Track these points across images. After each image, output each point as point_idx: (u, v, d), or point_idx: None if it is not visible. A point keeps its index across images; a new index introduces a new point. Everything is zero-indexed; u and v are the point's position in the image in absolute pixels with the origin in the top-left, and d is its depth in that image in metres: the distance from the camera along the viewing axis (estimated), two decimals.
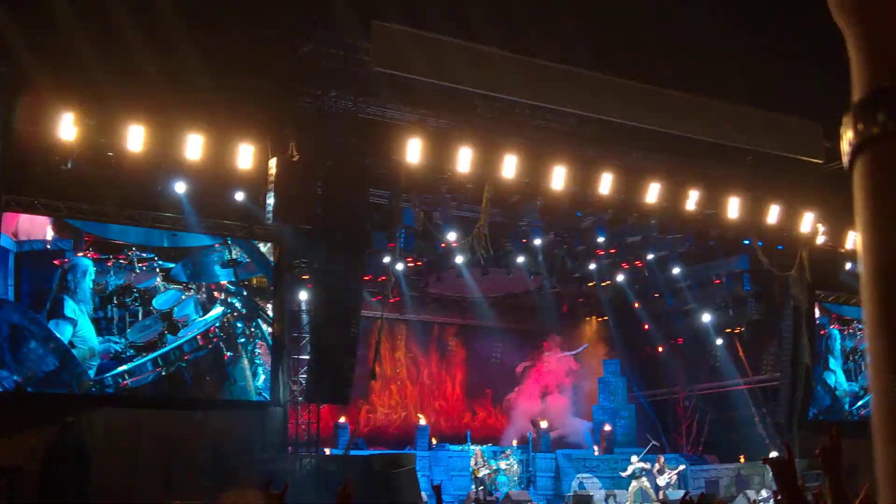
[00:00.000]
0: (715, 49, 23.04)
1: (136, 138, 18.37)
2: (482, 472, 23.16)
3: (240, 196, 20.11)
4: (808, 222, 25.00)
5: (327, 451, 23.03)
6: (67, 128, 17.83)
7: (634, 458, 23.81)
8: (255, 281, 21.12)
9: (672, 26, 23.32)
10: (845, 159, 0.82)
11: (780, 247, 25.73)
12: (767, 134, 23.92)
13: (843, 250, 26.81)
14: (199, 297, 20.38)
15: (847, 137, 0.81)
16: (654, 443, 26.11)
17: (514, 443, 26.30)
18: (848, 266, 27.19)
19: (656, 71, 22.25)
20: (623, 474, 23.77)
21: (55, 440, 18.14)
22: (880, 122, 0.78)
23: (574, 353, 31.18)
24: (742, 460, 26.06)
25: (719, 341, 28.45)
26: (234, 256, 20.79)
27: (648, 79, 22.38)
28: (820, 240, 25.74)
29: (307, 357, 21.34)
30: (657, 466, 23.63)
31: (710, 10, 22.25)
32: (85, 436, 18.51)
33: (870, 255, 0.82)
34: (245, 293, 20.90)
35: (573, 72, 21.50)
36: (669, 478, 23.43)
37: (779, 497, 4.46)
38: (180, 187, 19.54)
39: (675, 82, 22.52)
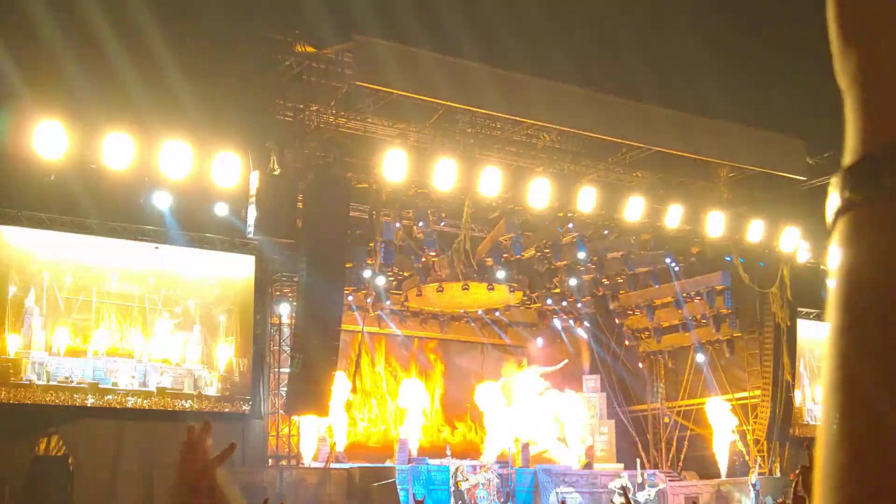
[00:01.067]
0: (697, 65, 23.22)
1: (119, 151, 18.41)
2: (462, 486, 23.16)
3: (222, 209, 20.11)
4: (789, 239, 25.10)
5: (307, 463, 22.98)
6: (50, 140, 17.85)
7: (620, 471, 23.84)
8: None
9: (654, 42, 23.52)
10: (828, 219, 0.88)
11: (761, 263, 25.82)
12: (750, 150, 24.08)
13: (824, 267, 26.92)
14: None
15: (834, 199, 0.87)
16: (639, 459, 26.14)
17: (494, 457, 26.26)
18: (830, 283, 27.20)
19: (638, 87, 22.43)
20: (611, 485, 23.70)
21: (39, 452, 18.13)
22: (866, 189, 0.84)
23: (554, 368, 31.15)
24: (724, 476, 26.08)
25: (700, 357, 28.51)
26: None
27: (630, 94, 22.52)
28: (802, 257, 25.85)
29: (287, 370, 21.35)
30: (637, 482, 23.66)
31: (693, 26, 22.43)
32: (68, 447, 18.50)
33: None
34: None
35: (554, 86, 21.60)
36: (649, 494, 23.45)
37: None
38: (163, 200, 19.54)
39: (657, 98, 22.68)
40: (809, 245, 25.99)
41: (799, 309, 26.77)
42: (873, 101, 0.87)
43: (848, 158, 0.90)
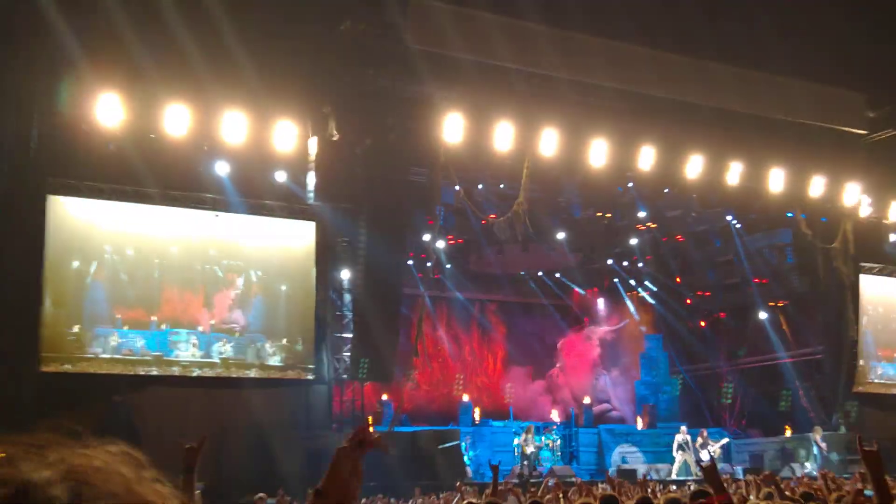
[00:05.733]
0: (755, 20, 22.78)
1: (177, 120, 18.51)
2: (529, 449, 23.18)
3: (281, 176, 20.19)
4: (851, 194, 24.71)
5: (371, 428, 23.16)
6: (109, 110, 17.99)
7: (683, 429, 23.74)
8: None
9: None
10: None
11: (823, 219, 25.44)
12: (810, 105, 23.70)
13: (887, 222, 26.49)
14: None
15: None
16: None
17: (558, 418, 26.30)
18: (893, 238, 26.86)
19: (696, 43, 22.06)
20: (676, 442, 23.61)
21: (104, 420, 18.39)
22: None
23: (616, 328, 31.11)
24: (788, 433, 25.90)
25: (763, 315, 28.25)
26: None
27: (688, 52, 22.19)
28: (864, 212, 25.45)
29: (350, 335, 21.47)
30: (700, 440, 23.56)
31: None
32: (133, 415, 18.76)
33: None
34: None
35: (611, 45, 21.37)
36: (713, 451, 23.35)
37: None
38: (222, 168, 19.66)
39: (716, 54, 22.31)
40: (871, 200, 25.58)
41: (861, 264, 26.41)
42: None
43: None
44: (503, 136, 20.61)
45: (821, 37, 24.35)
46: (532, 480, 19.72)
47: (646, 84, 21.63)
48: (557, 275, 29.81)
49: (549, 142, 21.05)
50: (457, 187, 22.16)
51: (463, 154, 21.03)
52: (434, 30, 19.02)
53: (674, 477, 22.91)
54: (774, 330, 28.06)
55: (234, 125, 18.99)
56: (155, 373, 19.50)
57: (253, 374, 20.39)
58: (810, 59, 23.41)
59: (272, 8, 19.19)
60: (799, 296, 27.00)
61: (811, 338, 27.19)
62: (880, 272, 27.61)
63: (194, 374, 19.92)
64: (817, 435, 23.95)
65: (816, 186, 24.29)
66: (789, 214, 25.48)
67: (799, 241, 25.95)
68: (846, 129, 24.07)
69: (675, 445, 23.62)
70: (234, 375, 20.25)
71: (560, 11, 20.73)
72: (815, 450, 23.83)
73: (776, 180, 23.66)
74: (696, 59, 22.14)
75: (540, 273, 29.33)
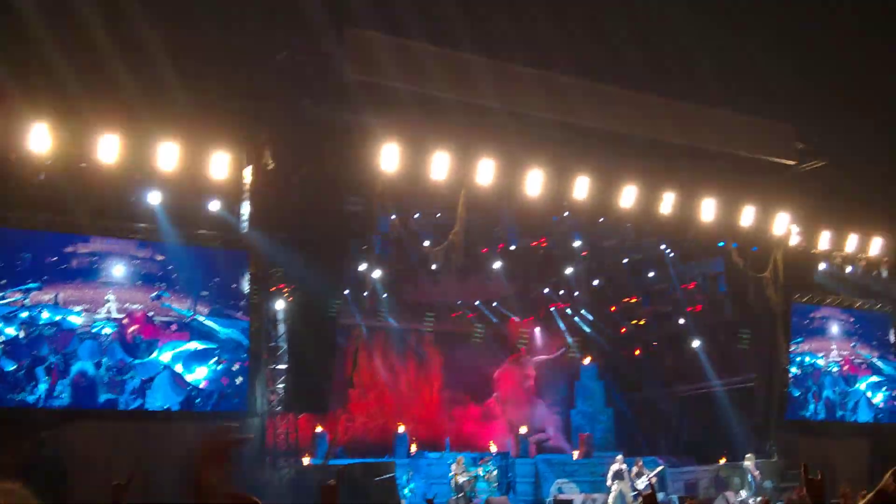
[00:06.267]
0: (689, 53, 23.13)
1: (109, 148, 18.20)
2: (462, 479, 23.08)
3: (215, 205, 19.90)
4: (781, 223, 25.16)
5: (306, 460, 22.88)
6: (39, 139, 17.62)
7: (619, 458, 23.79)
8: None
9: (646, 31, 23.41)
10: None
11: (754, 248, 25.84)
12: (740, 136, 24.12)
13: (816, 251, 27.00)
14: None
15: None
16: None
17: (494, 448, 26.22)
18: (821, 266, 27.36)
19: (630, 75, 22.33)
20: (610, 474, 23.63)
21: (29, 456, 17.91)
22: None
23: (551, 357, 31.18)
24: (723, 461, 26.12)
25: (696, 343, 28.53)
26: None
27: (623, 83, 22.46)
28: (794, 241, 25.91)
29: (284, 367, 21.21)
30: (635, 469, 23.63)
31: (684, 15, 22.34)
32: (61, 450, 18.30)
33: None
34: None
35: (547, 76, 21.54)
36: (648, 480, 23.42)
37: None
38: (154, 197, 19.33)
39: (649, 86, 22.60)
40: (801, 229, 26.07)
41: (792, 293, 26.82)
42: None
43: None
44: (439, 165, 20.64)
45: (751, 70, 24.83)
46: None
47: (581, 115, 21.82)
48: (494, 304, 29.81)
49: (485, 171, 21.14)
50: (393, 217, 22.08)
51: (399, 183, 20.98)
52: (371, 60, 18.99)
53: None
54: (708, 358, 28.37)
55: (167, 154, 18.72)
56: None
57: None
58: (741, 91, 23.84)
59: (208, 36, 19.00)
60: (731, 324, 27.31)
61: (743, 366, 27.51)
62: (810, 301, 28.10)
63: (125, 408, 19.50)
64: (750, 462, 24.19)
65: (747, 216, 24.72)
66: (721, 244, 25.85)
67: (731, 269, 26.30)
68: (776, 159, 24.51)
69: (610, 474, 23.65)
70: (166, 408, 19.87)
71: (496, 43, 20.84)
72: (749, 477, 24.06)
73: (708, 210, 24.04)
74: (630, 90, 22.40)
75: (477, 302, 29.30)
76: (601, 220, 24.37)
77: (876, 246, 27.69)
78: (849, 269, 27.97)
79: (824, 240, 26.94)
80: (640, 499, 22.96)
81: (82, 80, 17.30)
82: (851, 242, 27.36)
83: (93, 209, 19.17)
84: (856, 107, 25.53)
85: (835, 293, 28.43)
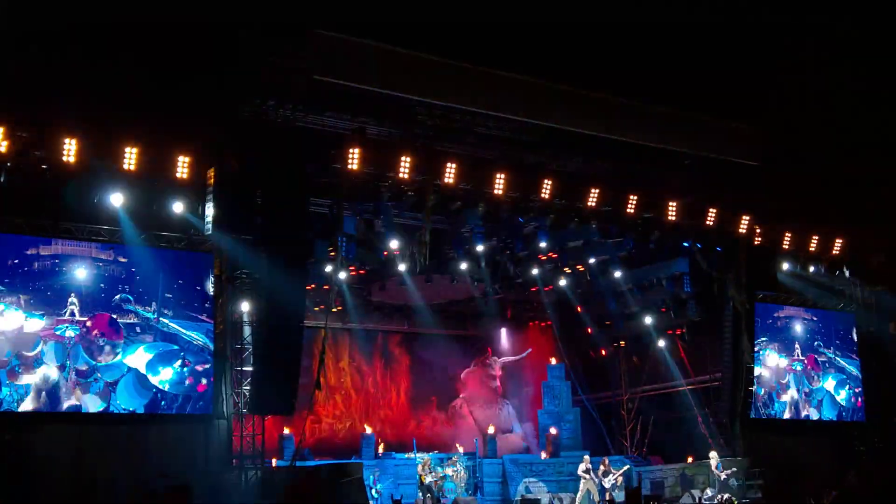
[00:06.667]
0: (653, 55, 23.30)
1: (71, 150, 18.07)
2: (428, 479, 23.10)
3: (178, 207, 19.80)
4: (745, 224, 25.36)
5: (273, 462, 22.81)
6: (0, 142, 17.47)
7: (586, 458, 23.85)
8: None
9: (610, 32, 23.55)
10: None
11: (718, 248, 26.04)
12: (705, 138, 24.27)
13: (779, 251, 27.27)
14: None
15: None
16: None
17: (461, 449, 26.25)
18: (785, 266, 27.62)
19: (595, 77, 22.44)
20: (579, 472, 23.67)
21: None
22: None
23: (518, 357, 31.26)
24: (690, 460, 26.27)
25: (661, 343, 28.69)
26: None
27: (588, 85, 22.56)
28: (757, 241, 26.13)
29: (250, 369, 21.14)
30: (602, 468, 23.71)
31: (648, 15, 22.50)
32: (23, 454, 18.16)
33: None
34: None
35: (514, 79, 21.60)
36: (615, 479, 23.53)
37: None
38: (117, 199, 19.19)
39: (614, 88, 22.71)
40: (764, 229, 26.29)
41: (755, 292, 27.04)
42: None
43: None
44: (406, 166, 20.66)
45: (715, 71, 25.03)
46: None
47: (546, 116, 21.91)
48: (460, 305, 29.83)
49: (451, 172, 21.19)
50: (359, 218, 22.05)
51: (365, 184, 20.99)
52: (334, 61, 18.95)
53: None
54: (673, 358, 28.55)
55: (130, 155, 18.63)
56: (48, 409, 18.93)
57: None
58: (705, 93, 24.01)
59: (170, 36, 18.91)
60: (696, 324, 27.49)
61: (708, 365, 27.71)
62: (774, 300, 28.34)
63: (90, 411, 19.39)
64: (713, 461, 24.35)
65: (711, 216, 24.91)
66: (686, 244, 26.03)
67: (695, 270, 26.48)
68: (739, 160, 24.69)
69: (578, 473, 23.70)
70: (131, 411, 19.78)
71: (462, 44, 20.88)
72: (714, 476, 24.21)
73: (673, 210, 24.20)
74: (596, 92, 22.51)
75: (443, 303, 29.30)
76: (568, 220, 24.46)
77: (838, 245, 28.01)
78: (812, 268, 28.28)
79: (787, 240, 27.19)
80: (608, 496, 23.15)
81: (42, 81, 17.17)
82: (814, 242, 27.65)
83: (54, 211, 19.06)
84: (817, 108, 25.84)
85: (798, 293, 28.69)
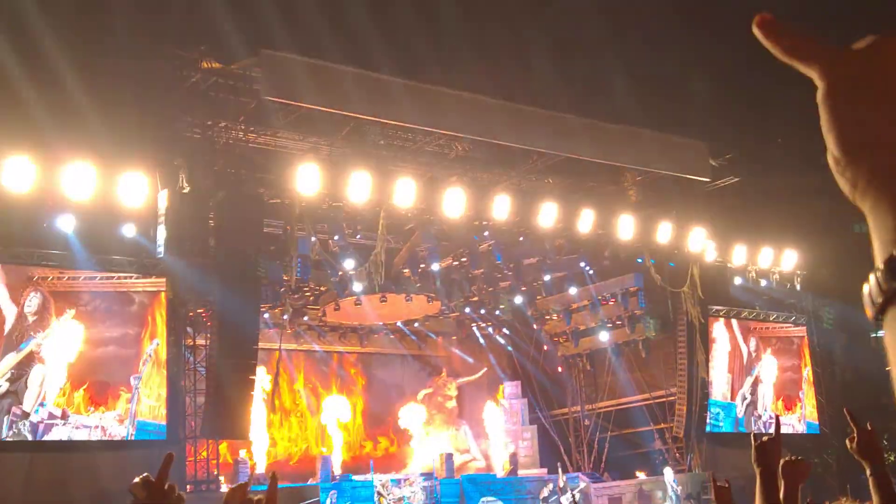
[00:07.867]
0: (604, 73, 23.44)
1: (18, 173, 17.76)
2: (386, 501, 22.96)
3: (129, 230, 19.54)
4: (697, 239, 25.57)
5: (227, 487, 22.52)
6: None
7: (544, 475, 23.82)
8: None
9: (562, 50, 23.66)
10: (870, 311, 1.04)
11: (671, 264, 26.24)
12: (656, 154, 24.45)
13: (731, 265, 27.52)
14: None
15: (872, 293, 1.04)
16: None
17: (418, 470, 26.13)
18: (737, 281, 27.88)
19: (547, 95, 22.53)
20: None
21: None
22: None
23: (475, 376, 31.21)
24: (642, 475, 26.35)
25: (617, 359, 28.81)
26: None
27: (539, 103, 22.65)
28: (709, 256, 26.35)
29: (203, 392, 20.91)
30: (560, 485, 23.73)
31: (599, 34, 22.64)
32: None
33: None
34: None
35: (465, 97, 21.62)
36: (571, 497, 23.55)
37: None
38: (67, 223, 18.89)
39: (566, 106, 22.83)
40: (716, 244, 26.52)
41: (709, 307, 27.27)
42: (884, 214, 0.99)
43: (878, 259, 1.01)
44: (359, 186, 20.58)
45: (665, 89, 25.24)
46: None
47: (499, 134, 21.95)
48: (416, 324, 29.76)
49: (405, 192, 21.15)
50: (313, 238, 21.95)
51: (319, 205, 20.91)
52: (287, 81, 18.85)
53: None
54: (629, 374, 28.68)
55: (80, 179, 18.34)
56: None
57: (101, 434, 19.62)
58: (655, 109, 24.19)
59: (119, 57, 18.69)
60: (651, 339, 27.65)
61: (663, 380, 27.86)
62: (727, 314, 28.58)
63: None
64: (668, 476, 24.45)
65: (664, 232, 25.08)
66: (639, 260, 26.21)
67: (649, 285, 26.67)
68: (690, 176, 24.92)
69: (538, 491, 23.69)
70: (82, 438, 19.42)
71: (414, 63, 20.87)
72: (671, 490, 24.31)
73: (625, 227, 24.35)
74: (548, 110, 22.61)
75: (398, 323, 29.22)
76: (521, 238, 24.53)
77: (789, 259, 28.33)
78: (763, 282, 28.56)
79: (739, 254, 27.45)
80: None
81: None
82: (765, 256, 27.94)
83: (2, 236, 18.72)
84: (765, 124, 26.15)
85: (750, 307, 28.96)
